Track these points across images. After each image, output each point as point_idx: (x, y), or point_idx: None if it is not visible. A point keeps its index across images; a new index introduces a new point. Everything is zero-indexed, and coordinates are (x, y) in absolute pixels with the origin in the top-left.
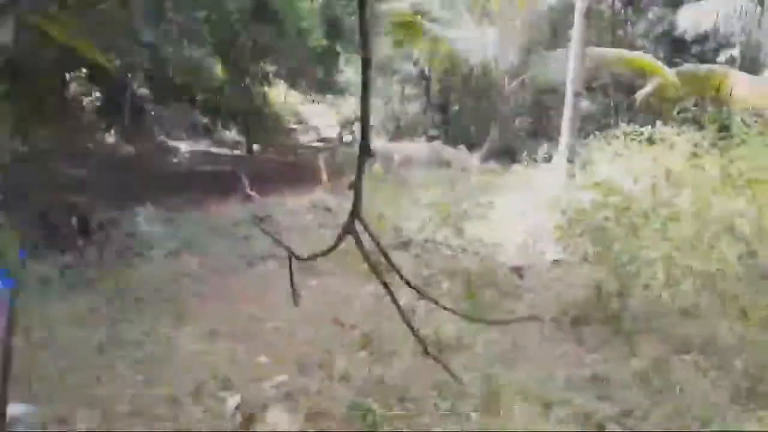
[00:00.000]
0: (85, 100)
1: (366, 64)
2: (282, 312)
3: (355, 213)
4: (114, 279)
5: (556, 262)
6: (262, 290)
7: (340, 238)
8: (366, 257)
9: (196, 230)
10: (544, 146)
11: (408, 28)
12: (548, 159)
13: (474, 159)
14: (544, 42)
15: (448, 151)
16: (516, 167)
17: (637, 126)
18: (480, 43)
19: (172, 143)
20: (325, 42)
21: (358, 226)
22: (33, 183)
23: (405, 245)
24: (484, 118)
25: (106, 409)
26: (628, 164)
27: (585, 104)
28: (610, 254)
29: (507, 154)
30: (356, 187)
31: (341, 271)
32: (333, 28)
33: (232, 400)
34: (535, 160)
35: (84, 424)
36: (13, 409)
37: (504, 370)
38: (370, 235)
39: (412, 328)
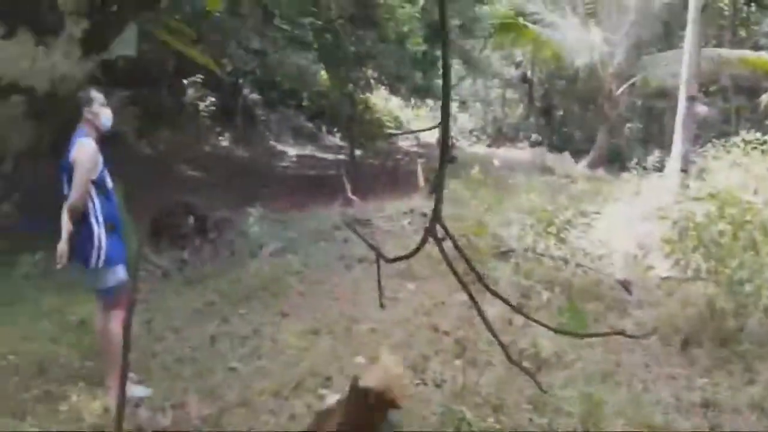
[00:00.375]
0: (201, 105)
1: (446, 69)
2: (377, 314)
3: (435, 217)
4: (226, 276)
5: (666, 277)
6: (359, 292)
7: (422, 242)
8: (448, 262)
9: (300, 231)
10: (655, 154)
11: (510, 29)
12: (660, 167)
13: (579, 166)
14: (656, 42)
15: (551, 158)
16: (625, 175)
17: (759, 133)
18: (586, 44)
19: (280, 147)
20: (424, 46)
21: (440, 232)
22: (156, 184)
23: (504, 255)
24: (590, 123)
25: (216, 398)
26: (748, 174)
27: (701, 109)
28: (725, 271)
29: (615, 162)
30: (437, 191)
31: (437, 276)
32: (432, 32)
33: (331, 398)
34: (646, 168)
35: (196, 411)
36: (133, 391)
37: (606, 389)
38: (452, 240)
39: (497, 338)
